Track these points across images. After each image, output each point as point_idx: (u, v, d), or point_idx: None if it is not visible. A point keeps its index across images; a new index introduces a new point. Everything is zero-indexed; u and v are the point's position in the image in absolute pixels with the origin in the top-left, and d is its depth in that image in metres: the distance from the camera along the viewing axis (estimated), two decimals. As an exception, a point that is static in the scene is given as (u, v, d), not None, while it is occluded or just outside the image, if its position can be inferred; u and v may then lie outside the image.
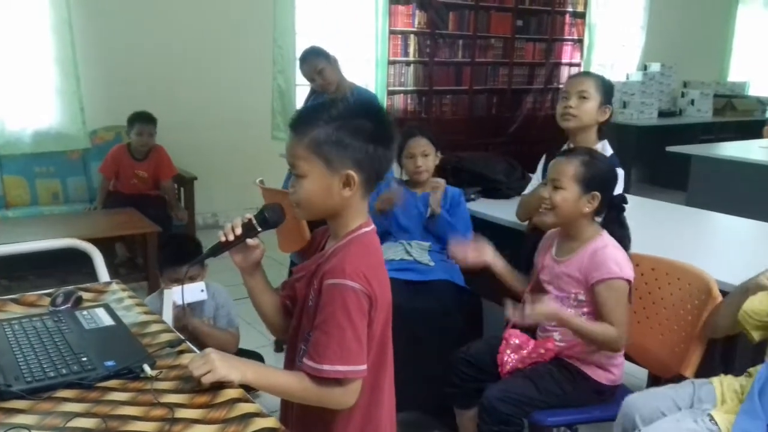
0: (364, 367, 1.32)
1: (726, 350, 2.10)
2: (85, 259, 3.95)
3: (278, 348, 3.50)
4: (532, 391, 2.01)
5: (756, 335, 1.86)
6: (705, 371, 2.00)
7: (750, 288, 1.80)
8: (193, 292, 2.35)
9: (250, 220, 1.42)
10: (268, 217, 1.43)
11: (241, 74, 5.69)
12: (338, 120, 1.33)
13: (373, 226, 1.44)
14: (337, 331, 1.30)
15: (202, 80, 5.50)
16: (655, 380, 2.55)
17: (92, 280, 1.93)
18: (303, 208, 1.39)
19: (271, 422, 1.17)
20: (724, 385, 1.83)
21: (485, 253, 2.18)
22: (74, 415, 1.17)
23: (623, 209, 2.10)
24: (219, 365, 1.27)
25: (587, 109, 2.41)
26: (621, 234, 2.07)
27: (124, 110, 4.72)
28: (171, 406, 1.21)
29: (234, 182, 5.72)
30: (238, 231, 1.40)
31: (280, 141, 5.83)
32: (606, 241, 2.03)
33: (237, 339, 2.73)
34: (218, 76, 5.57)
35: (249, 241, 1.42)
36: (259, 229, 1.43)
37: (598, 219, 2.10)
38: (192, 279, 2.41)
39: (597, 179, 2.02)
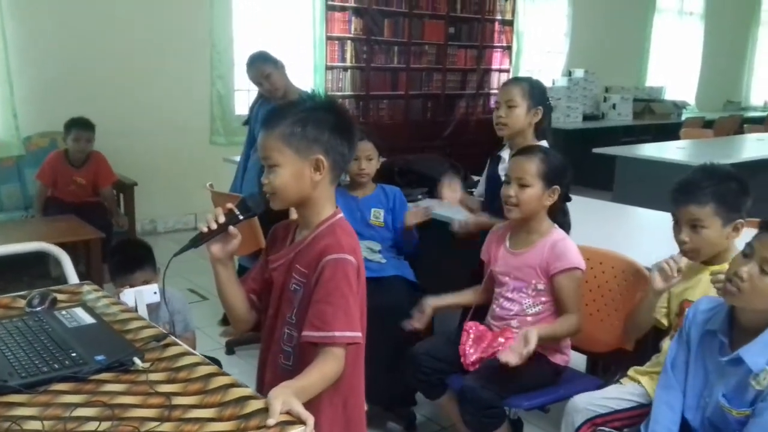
0: (360, 333, 1.46)
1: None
2: (22, 268, 3.87)
3: (229, 351, 3.54)
4: (507, 376, 2.12)
5: (665, 321, 2.08)
6: (643, 347, 2.21)
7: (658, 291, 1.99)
8: (148, 294, 2.38)
9: (231, 209, 1.50)
10: (251, 205, 1.52)
11: (179, 79, 5.67)
12: (304, 113, 1.49)
13: (342, 214, 1.58)
14: (343, 300, 1.43)
15: (140, 85, 5.44)
16: (593, 364, 2.76)
17: (32, 288, 1.89)
18: (278, 197, 1.51)
19: (264, 403, 1.25)
20: (633, 377, 2.06)
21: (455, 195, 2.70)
22: (75, 406, 1.23)
23: (569, 198, 2.28)
24: (286, 404, 1.23)
25: (516, 117, 2.55)
26: (563, 221, 2.25)
27: (59, 116, 4.65)
28: (167, 395, 1.28)
29: (172, 188, 5.69)
30: (222, 219, 1.49)
31: (219, 146, 5.85)
32: (562, 234, 2.21)
33: (193, 343, 2.75)
34: (156, 81, 5.52)
35: (230, 229, 1.50)
36: (241, 218, 1.51)
37: None
38: (146, 283, 2.44)
39: (556, 173, 2.18)
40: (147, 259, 2.62)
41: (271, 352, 1.59)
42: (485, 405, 2.09)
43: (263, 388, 1.56)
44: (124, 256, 2.68)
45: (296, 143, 1.47)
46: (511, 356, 2.00)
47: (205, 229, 1.49)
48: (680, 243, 1.96)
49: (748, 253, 1.61)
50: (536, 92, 2.60)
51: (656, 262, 1.99)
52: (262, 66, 3.57)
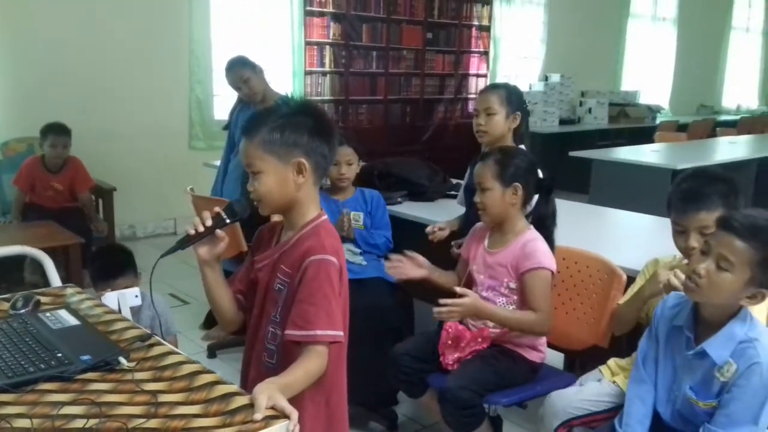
0: (342, 333, 1.50)
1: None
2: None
3: (211, 355, 3.55)
4: (485, 375, 2.18)
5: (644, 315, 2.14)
6: (617, 344, 2.28)
7: (663, 289, 1.99)
8: (130, 297, 2.40)
9: (218, 213, 1.54)
10: (237, 210, 1.56)
11: (157, 84, 5.67)
12: (282, 119, 1.53)
13: (326, 216, 1.62)
14: (325, 300, 1.47)
15: (119, 90, 5.43)
16: (571, 362, 2.82)
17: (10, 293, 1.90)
18: (265, 202, 1.55)
19: (249, 399, 1.28)
20: (612, 367, 2.13)
21: (421, 270, 2.35)
22: (63, 404, 1.25)
23: (550, 191, 2.31)
24: (271, 399, 1.26)
25: (495, 124, 2.63)
26: (546, 212, 2.29)
27: (36, 121, 4.62)
28: (153, 393, 1.30)
29: (151, 193, 5.68)
30: (209, 223, 1.52)
31: (198, 151, 5.85)
32: (534, 234, 2.25)
33: (175, 347, 2.76)
34: (135, 86, 5.52)
35: (218, 232, 1.54)
36: (228, 221, 1.55)
37: (529, 208, 2.32)
38: (127, 288, 2.45)
39: (513, 171, 2.23)
40: (128, 264, 2.63)
41: (255, 351, 1.63)
42: (465, 405, 2.14)
43: (247, 385, 1.59)
44: (105, 262, 2.68)
45: (276, 149, 1.51)
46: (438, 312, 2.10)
47: (192, 232, 1.52)
48: (688, 250, 1.96)
49: (705, 251, 1.68)
50: (514, 98, 2.66)
51: (667, 272, 1.97)
52: (241, 70, 3.60)
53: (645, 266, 2.20)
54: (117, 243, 4.38)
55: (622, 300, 2.21)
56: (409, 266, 2.34)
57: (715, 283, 1.63)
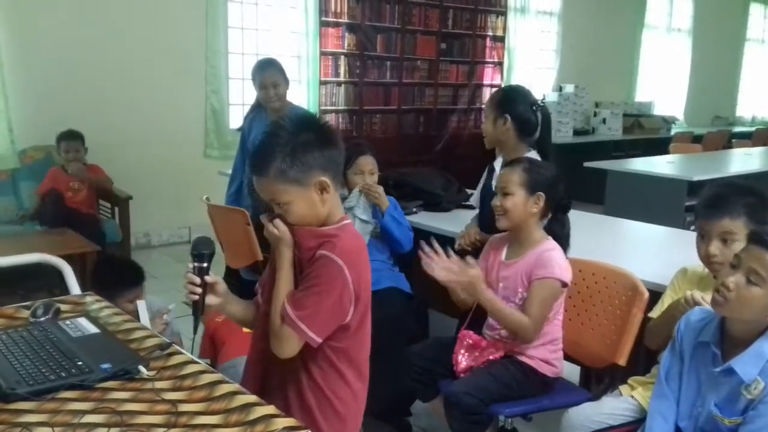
0: (320, 339, 1.52)
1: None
2: (15, 281, 3.85)
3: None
4: (492, 385, 2.18)
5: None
6: (635, 360, 2.24)
7: (688, 306, 1.95)
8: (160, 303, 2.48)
9: (194, 267, 1.54)
10: (204, 251, 1.55)
11: (173, 93, 5.70)
12: (288, 144, 1.51)
13: (349, 220, 1.65)
14: (316, 297, 1.51)
15: (135, 99, 5.47)
16: (587, 375, 2.79)
17: (27, 301, 1.89)
18: (301, 226, 1.57)
19: (270, 410, 1.28)
20: (632, 385, 2.10)
21: (450, 274, 2.14)
22: (84, 413, 1.25)
23: (567, 209, 2.31)
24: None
25: (486, 128, 2.71)
26: (561, 232, 2.29)
27: (54, 129, 4.71)
28: (173, 402, 1.31)
29: (166, 201, 5.71)
30: (197, 280, 1.54)
31: (213, 159, 5.88)
32: (552, 245, 2.24)
33: (180, 346, 2.76)
34: (151, 95, 5.55)
35: (208, 279, 1.55)
36: (205, 264, 1.54)
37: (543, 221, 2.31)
38: (137, 298, 2.46)
39: (540, 181, 2.23)
40: (137, 276, 2.63)
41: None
42: (468, 411, 2.14)
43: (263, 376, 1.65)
44: (127, 270, 2.68)
45: (294, 175, 1.50)
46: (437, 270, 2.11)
47: (196, 297, 1.54)
48: (709, 256, 1.94)
49: (735, 264, 1.65)
50: (501, 103, 2.67)
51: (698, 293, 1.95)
52: (276, 74, 3.54)
53: (674, 277, 2.17)
54: (121, 255, 4.38)
55: (653, 313, 2.16)
56: (441, 267, 2.13)
57: (743, 297, 1.61)
